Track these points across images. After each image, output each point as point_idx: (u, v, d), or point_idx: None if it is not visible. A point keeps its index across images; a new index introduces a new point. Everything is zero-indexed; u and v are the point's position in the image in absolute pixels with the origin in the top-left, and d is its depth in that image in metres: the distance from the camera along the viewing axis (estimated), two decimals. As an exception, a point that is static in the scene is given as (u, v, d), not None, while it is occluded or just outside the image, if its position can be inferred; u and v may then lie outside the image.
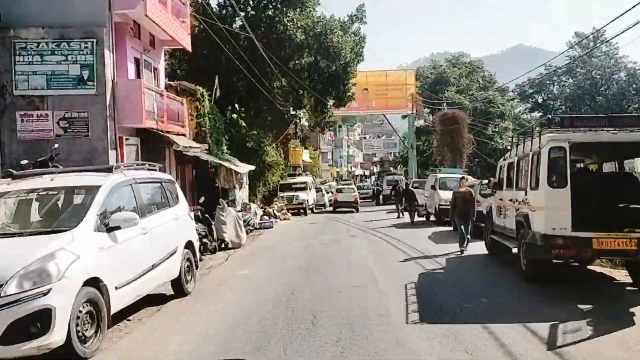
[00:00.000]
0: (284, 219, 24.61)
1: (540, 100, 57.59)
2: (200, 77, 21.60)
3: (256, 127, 26.98)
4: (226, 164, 18.94)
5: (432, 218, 21.68)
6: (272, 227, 20.91)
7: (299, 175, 33.80)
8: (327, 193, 37.36)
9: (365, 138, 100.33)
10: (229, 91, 24.53)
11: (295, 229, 20.60)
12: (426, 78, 47.41)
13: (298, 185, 29.92)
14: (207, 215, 14.42)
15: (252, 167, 22.85)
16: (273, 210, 23.93)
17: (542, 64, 53.01)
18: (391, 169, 64.33)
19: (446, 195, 17.71)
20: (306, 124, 41.30)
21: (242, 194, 21.61)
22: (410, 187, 25.14)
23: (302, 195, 28.40)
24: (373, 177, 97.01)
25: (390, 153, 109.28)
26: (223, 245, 14.33)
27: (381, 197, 38.95)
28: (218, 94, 20.52)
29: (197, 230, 10.54)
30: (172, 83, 18.24)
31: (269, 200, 29.02)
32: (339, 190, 32.06)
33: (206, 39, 21.57)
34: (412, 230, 18.59)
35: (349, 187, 33.41)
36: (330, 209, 33.95)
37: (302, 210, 28.05)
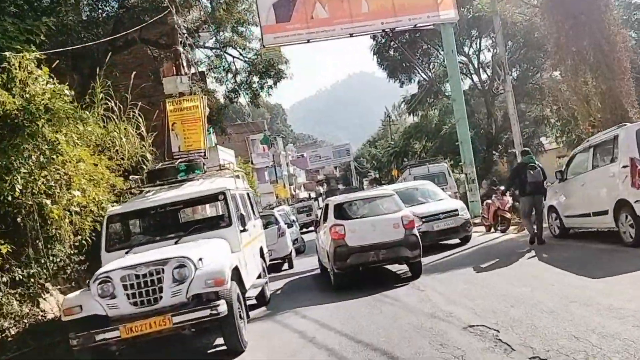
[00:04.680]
0: None
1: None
2: None
3: None
4: None
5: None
6: None
7: (188, 171, 7.04)
8: (290, 227, 15.35)
9: (302, 156, 79.02)
10: None
11: None
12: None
13: (187, 217, 7.28)
14: None
15: None
16: None
17: None
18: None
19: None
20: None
21: None
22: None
23: (206, 257, 5.41)
24: (320, 199, 75.28)
25: (337, 167, 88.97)
26: None
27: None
28: None
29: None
30: None
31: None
32: (342, 214, 8.03)
33: None
34: None
35: (374, 199, 8.61)
36: (302, 271, 11.92)
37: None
